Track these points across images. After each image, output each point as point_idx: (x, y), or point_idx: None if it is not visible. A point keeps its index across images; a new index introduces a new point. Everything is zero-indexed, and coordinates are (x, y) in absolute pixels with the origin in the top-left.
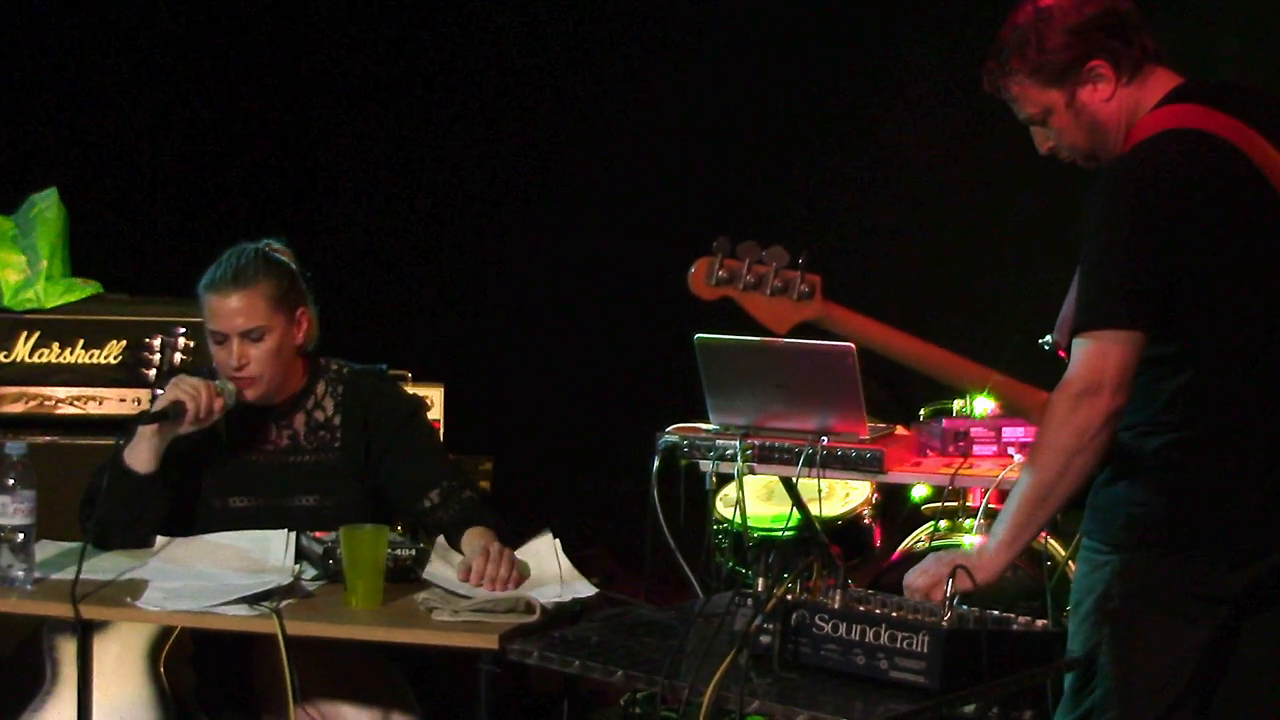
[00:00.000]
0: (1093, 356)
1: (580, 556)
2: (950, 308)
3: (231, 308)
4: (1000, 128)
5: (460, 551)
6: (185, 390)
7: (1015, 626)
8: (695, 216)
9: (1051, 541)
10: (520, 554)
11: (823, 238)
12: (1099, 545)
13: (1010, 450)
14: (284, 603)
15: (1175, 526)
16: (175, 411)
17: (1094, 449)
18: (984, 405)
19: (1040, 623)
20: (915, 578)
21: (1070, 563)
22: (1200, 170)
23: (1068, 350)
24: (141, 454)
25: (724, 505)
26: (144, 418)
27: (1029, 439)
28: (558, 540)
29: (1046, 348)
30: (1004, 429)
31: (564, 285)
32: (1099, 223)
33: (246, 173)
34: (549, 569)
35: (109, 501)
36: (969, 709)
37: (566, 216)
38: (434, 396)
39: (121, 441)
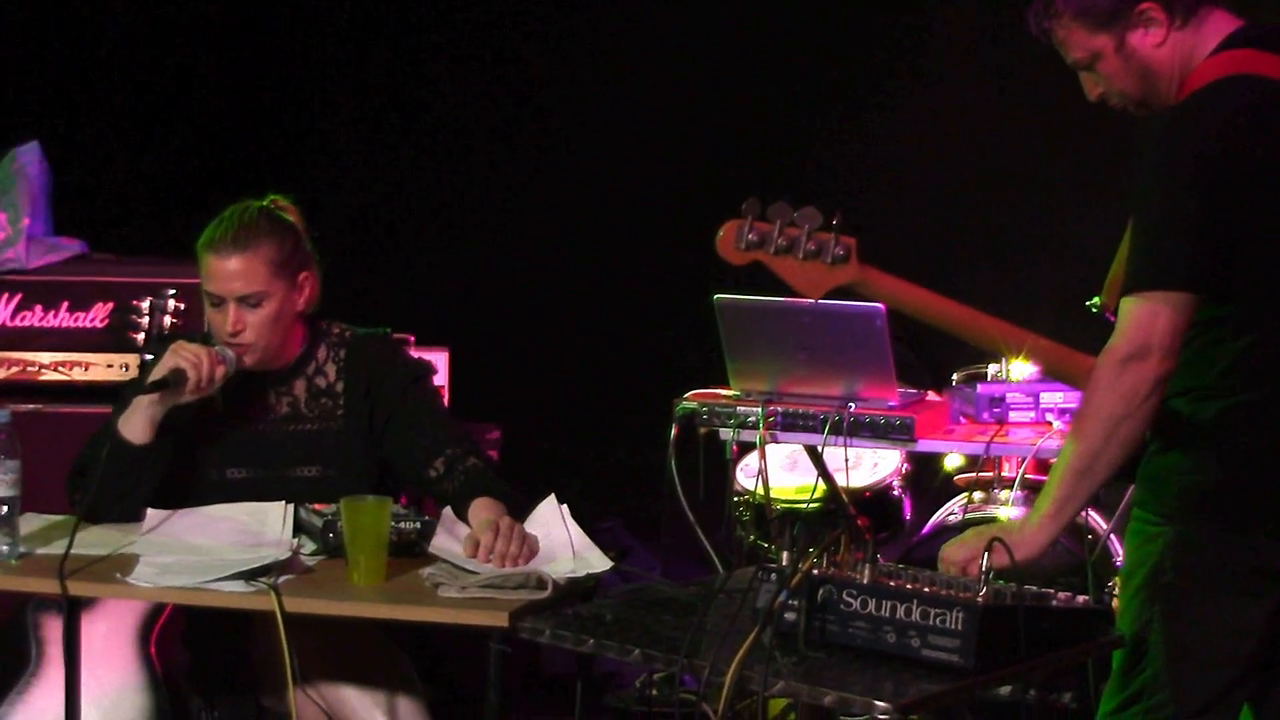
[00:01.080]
0: (1142, 318)
1: (594, 530)
2: (990, 269)
3: (230, 270)
4: (1041, 77)
5: (468, 524)
6: (185, 357)
7: (1055, 603)
8: (715, 170)
9: (1093, 514)
10: (527, 525)
11: (854, 200)
12: (1151, 517)
13: (1049, 416)
14: (282, 579)
15: (1233, 497)
16: (175, 380)
17: (1141, 415)
18: (1021, 369)
19: (1081, 599)
20: (952, 550)
21: (1113, 536)
22: (1264, 119)
23: (1116, 313)
24: (137, 424)
25: (745, 476)
26: (143, 387)
27: (1069, 404)
28: (564, 506)
29: (1094, 310)
30: (1042, 394)
31: (576, 243)
32: (1153, 175)
33: (243, 124)
34: (559, 539)
35: (101, 473)
36: (1005, 690)
37: (580, 170)
38: (439, 361)
39: (115, 410)
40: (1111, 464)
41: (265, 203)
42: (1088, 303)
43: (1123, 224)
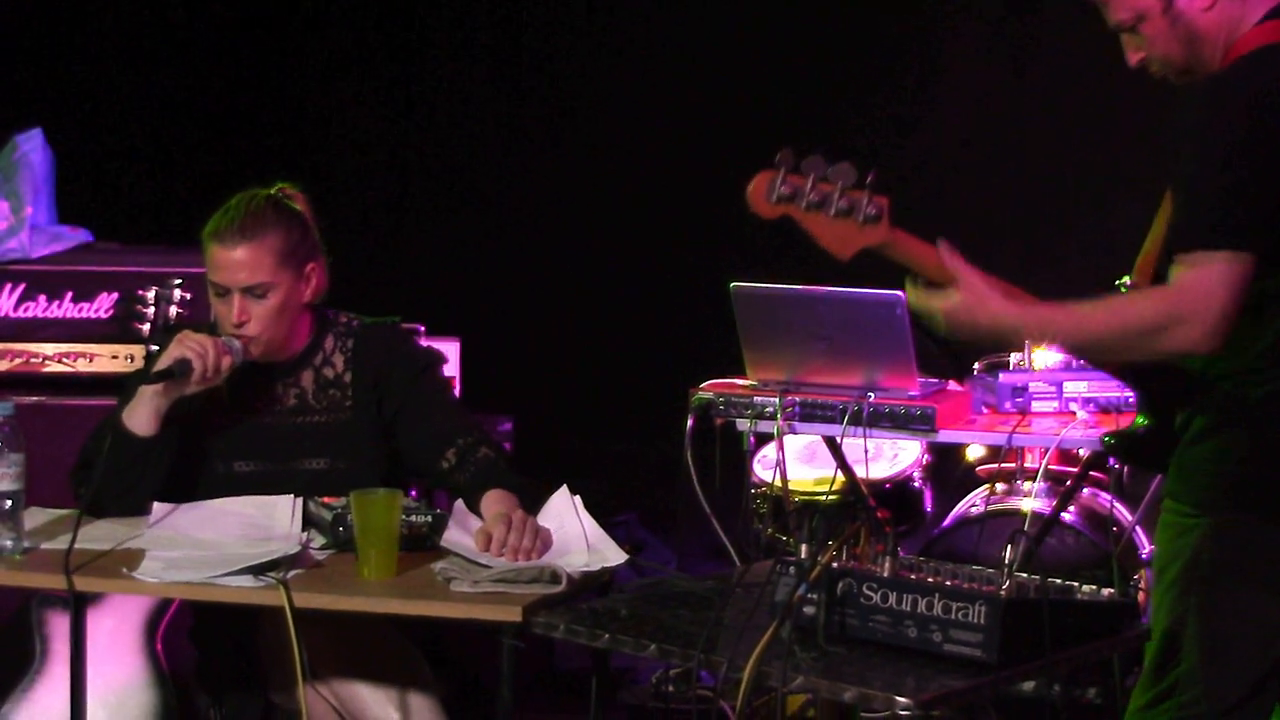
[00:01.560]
0: (1188, 282)
1: (608, 524)
2: (1016, 252)
3: (235, 260)
4: (1063, 58)
5: (480, 516)
6: (191, 347)
7: (1079, 596)
8: (731, 156)
9: (1118, 506)
10: (540, 518)
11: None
12: (1185, 509)
13: (1072, 406)
14: (291, 573)
15: (1275, 486)
16: (181, 370)
17: (1147, 361)
18: (1044, 358)
19: (1106, 592)
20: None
21: (1139, 528)
22: None
23: None
24: (142, 416)
25: (762, 467)
26: (147, 377)
27: (1094, 394)
28: (577, 497)
29: (1123, 290)
30: (1065, 383)
31: (590, 230)
32: (1201, 135)
33: (250, 111)
34: (573, 532)
35: (105, 466)
36: (1029, 685)
37: (593, 156)
38: (450, 351)
39: (120, 402)
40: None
41: (272, 191)
42: (1116, 282)
43: (1146, 206)
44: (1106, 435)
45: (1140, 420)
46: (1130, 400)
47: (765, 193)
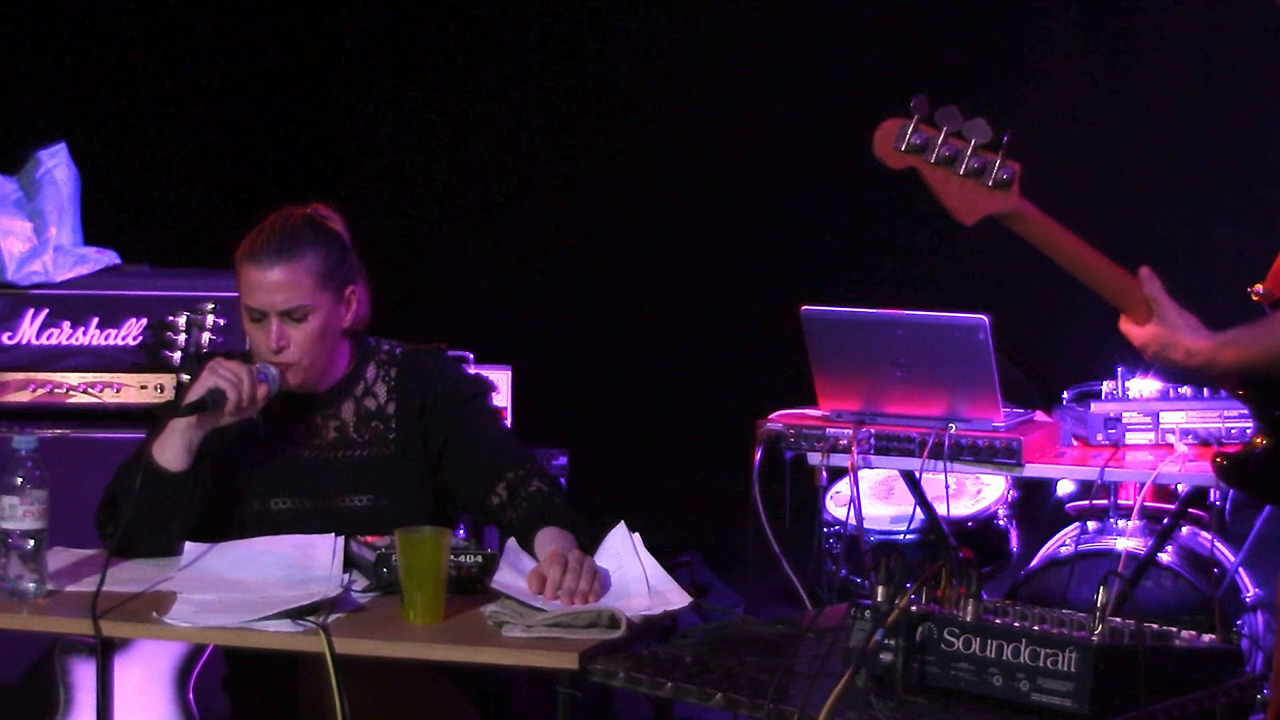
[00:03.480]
0: None
1: (670, 564)
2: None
3: (272, 282)
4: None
5: (534, 556)
6: (224, 376)
7: (1178, 643)
8: (801, 168)
9: (1219, 545)
10: (597, 557)
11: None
12: None
13: (1169, 438)
14: (332, 618)
15: None
16: (214, 401)
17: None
18: (1139, 385)
19: (1207, 638)
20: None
21: (1241, 569)
22: None
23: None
24: (173, 450)
25: (836, 504)
26: (178, 409)
27: (1191, 424)
28: (636, 535)
29: (1255, 298)
30: (1162, 413)
31: (649, 251)
32: None
33: (284, 127)
34: (632, 573)
35: (135, 504)
36: None
37: (653, 175)
38: (500, 380)
39: (149, 435)
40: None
41: (308, 211)
42: (1249, 289)
43: (1241, 221)
44: (1219, 455)
45: (1259, 441)
46: (1233, 432)
47: (895, 140)
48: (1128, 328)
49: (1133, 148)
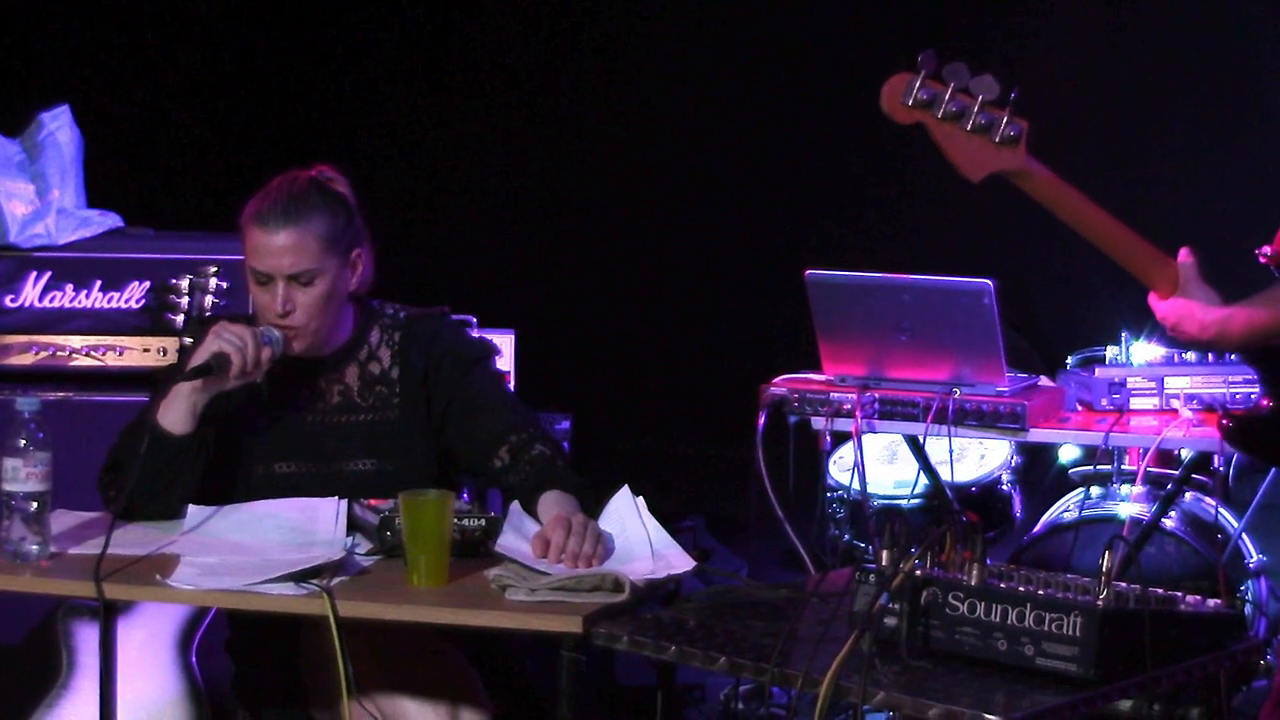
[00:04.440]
0: None
1: (673, 529)
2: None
3: (279, 245)
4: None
5: (537, 520)
6: (229, 340)
7: (1182, 608)
8: (805, 131)
9: (1223, 512)
10: (600, 521)
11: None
12: None
13: (1174, 403)
14: (335, 580)
15: None
16: (219, 365)
17: None
18: (1144, 351)
19: (1212, 603)
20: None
21: (1245, 535)
22: None
23: None
24: (177, 413)
25: (839, 469)
26: (183, 373)
27: (1196, 389)
28: (640, 499)
29: (1262, 260)
30: (1166, 378)
31: (652, 215)
32: None
33: (290, 89)
34: (636, 536)
35: (139, 468)
36: (1126, 704)
37: (655, 136)
38: (504, 344)
39: (153, 399)
40: None
41: (314, 173)
42: (1256, 250)
43: (1245, 186)
44: (1225, 417)
45: (1265, 404)
46: (1237, 397)
47: (901, 94)
48: (1153, 301)
49: (1135, 106)
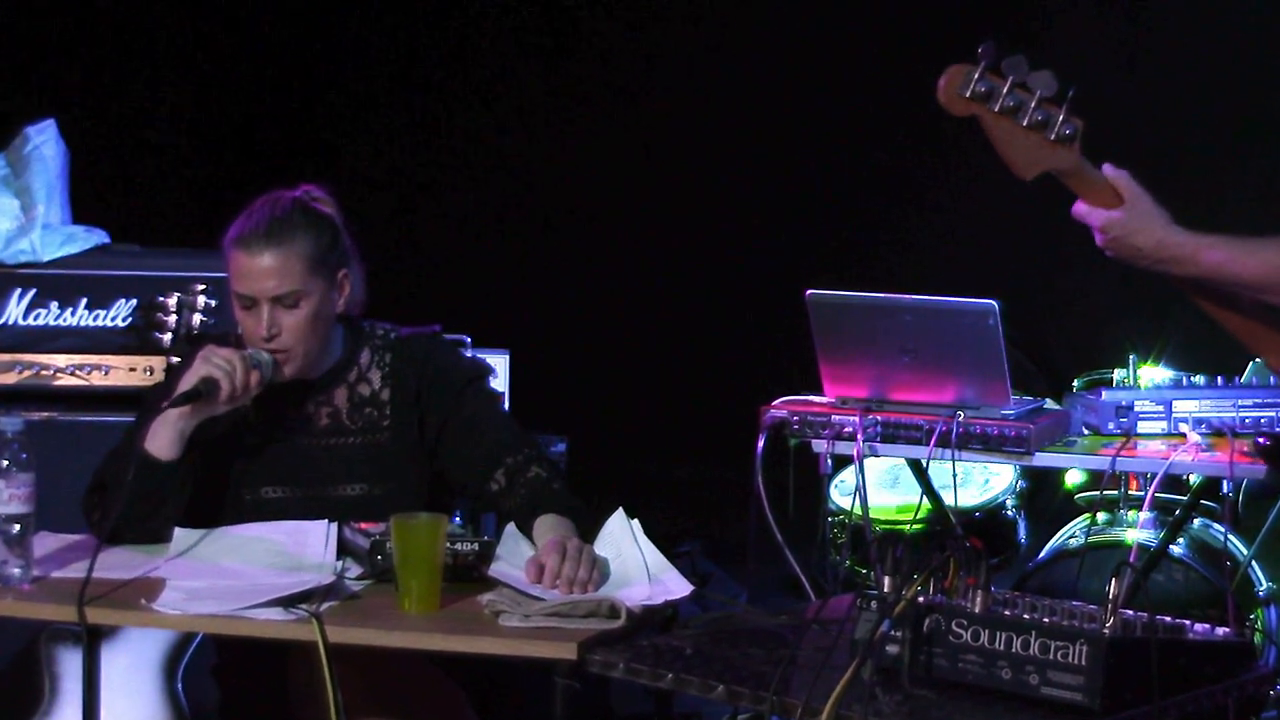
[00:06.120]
0: None
1: (670, 554)
2: None
3: (263, 268)
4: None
5: (532, 543)
6: (218, 364)
7: (1191, 636)
8: (805, 148)
9: (1232, 539)
10: (595, 545)
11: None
12: None
13: (1183, 427)
14: (325, 605)
15: None
16: (207, 390)
17: None
18: (1151, 374)
19: (1221, 632)
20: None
21: (1254, 562)
22: None
23: None
24: (165, 438)
25: (841, 493)
26: (171, 399)
27: (1205, 414)
28: (635, 521)
29: None
30: (1175, 402)
31: (650, 234)
32: None
33: (278, 105)
34: (632, 560)
35: (125, 492)
36: None
37: (652, 154)
38: (498, 364)
39: (139, 420)
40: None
41: (298, 193)
42: None
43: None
44: (1261, 435)
45: None
46: (1247, 421)
47: (959, 86)
48: (1082, 209)
49: (1153, 105)
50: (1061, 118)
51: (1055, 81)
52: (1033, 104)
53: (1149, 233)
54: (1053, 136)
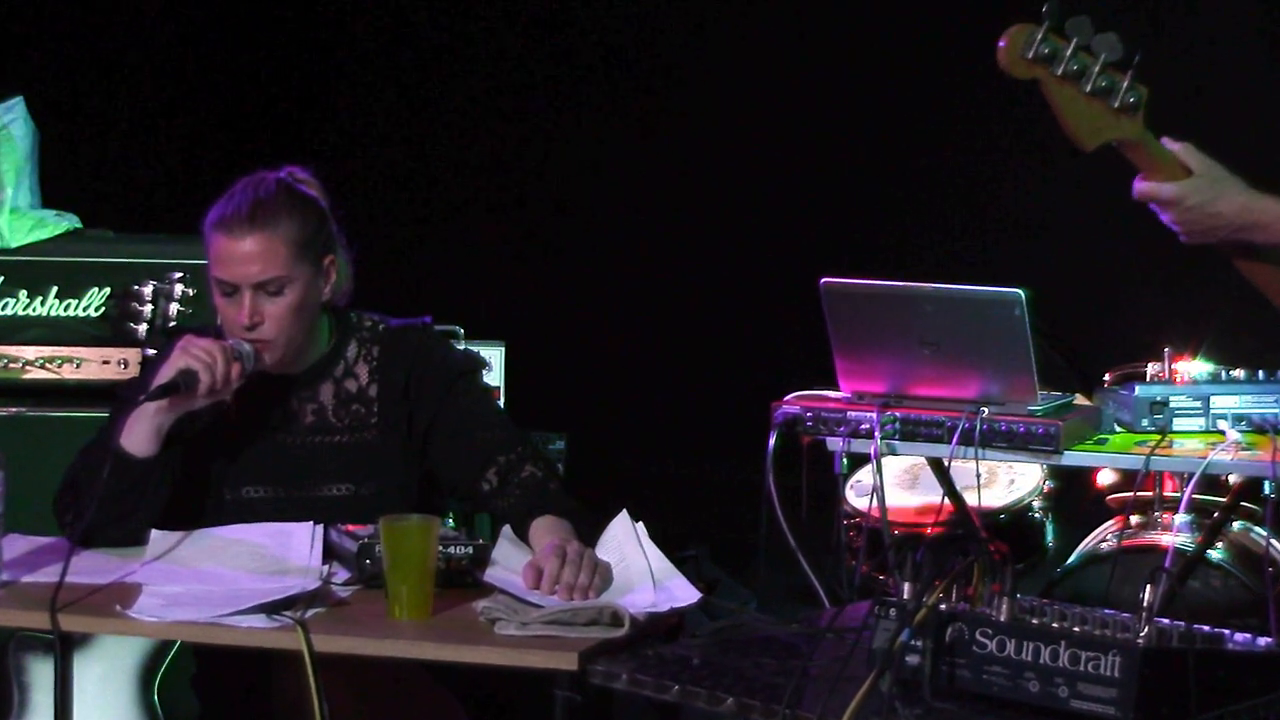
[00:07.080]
0: None
1: (675, 559)
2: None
3: (245, 252)
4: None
5: (530, 547)
6: (197, 356)
7: (1230, 646)
8: (817, 130)
9: (1275, 543)
10: (598, 549)
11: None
12: None
13: (1221, 424)
14: (310, 612)
15: None
16: (186, 383)
17: None
18: (1187, 368)
19: (1263, 642)
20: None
21: None
22: None
23: None
24: (141, 434)
25: (857, 494)
26: (148, 393)
27: (1245, 409)
28: (640, 525)
29: None
30: (1213, 397)
31: (653, 220)
32: None
33: (263, 84)
34: (636, 565)
35: (99, 492)
36: None
37: (653, 133)
38: (493, 358)
39: (114, 416)
40: None
41: (282, 175)
42: None
43: None
44: None
45: None
46: None
47: (1021, 48)
48: (1146, 186)
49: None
50: (1126, 85)
51: (1120, 45)
52: (1097, 69)
53: (1229, 198)
54: (1116, 104)
